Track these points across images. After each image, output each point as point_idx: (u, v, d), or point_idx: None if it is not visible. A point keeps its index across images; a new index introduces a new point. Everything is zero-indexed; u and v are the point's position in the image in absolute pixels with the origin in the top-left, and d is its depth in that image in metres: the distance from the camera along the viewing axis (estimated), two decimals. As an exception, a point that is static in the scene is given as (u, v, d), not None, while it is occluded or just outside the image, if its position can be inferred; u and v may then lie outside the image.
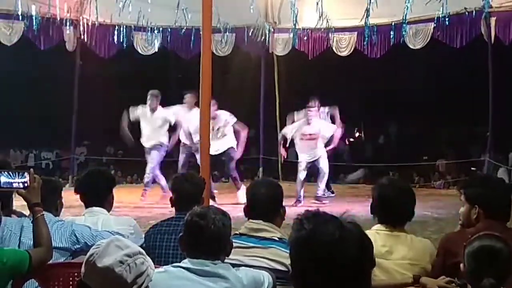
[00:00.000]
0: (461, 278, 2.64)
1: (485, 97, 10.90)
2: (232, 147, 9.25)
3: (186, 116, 9.20)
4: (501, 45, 10.30)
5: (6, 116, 15.63)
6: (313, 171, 9.63)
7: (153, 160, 9.26)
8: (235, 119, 9.31)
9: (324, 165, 9.34)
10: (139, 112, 9.40)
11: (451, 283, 2.74)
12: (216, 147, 8.72)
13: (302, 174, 9.42)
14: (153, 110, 9.25)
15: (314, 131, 9.26)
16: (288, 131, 9.61)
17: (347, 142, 19.07)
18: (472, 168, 14.63)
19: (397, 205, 3.11)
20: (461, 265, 2.53)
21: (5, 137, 15.79)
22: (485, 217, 3.04)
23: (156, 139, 9.24)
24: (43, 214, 2.99)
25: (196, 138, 8.38)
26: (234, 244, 2.88)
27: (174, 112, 9.36)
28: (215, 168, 11.06)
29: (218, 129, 9.00)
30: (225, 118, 9.16)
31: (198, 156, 7.94)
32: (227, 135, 9.17)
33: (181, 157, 9.61)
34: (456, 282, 2.71)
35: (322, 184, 9.46)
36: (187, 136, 9.24)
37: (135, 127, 9.55)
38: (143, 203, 9.32)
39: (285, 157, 10.50)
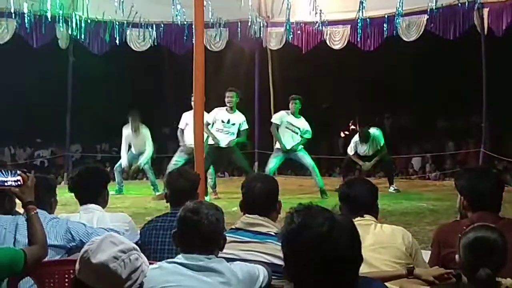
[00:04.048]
0: (456, 269, 2.65)
1: (479, 89, 10.90)
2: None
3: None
4: (494, 37, 10.30)
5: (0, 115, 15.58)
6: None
7: None
8: (246, 126, 9.37)
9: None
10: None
11: (445, 274, 2.74)
12: (226, 141, 9.07)
13: None
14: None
15: None
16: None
17: (342, 135, 19.14)
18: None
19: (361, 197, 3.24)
20: (456, 256, 2.54)
21: (1, 136, 15.76)
22: (472, 208, 3.06)
23: None
24: (37, 212, 2.99)
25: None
26: (230, 239, 2.88)
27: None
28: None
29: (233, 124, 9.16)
30: (240, 121, 9.24)
31: None
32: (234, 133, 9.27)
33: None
34: (451, 272, 2.72)
35: None
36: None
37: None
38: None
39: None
